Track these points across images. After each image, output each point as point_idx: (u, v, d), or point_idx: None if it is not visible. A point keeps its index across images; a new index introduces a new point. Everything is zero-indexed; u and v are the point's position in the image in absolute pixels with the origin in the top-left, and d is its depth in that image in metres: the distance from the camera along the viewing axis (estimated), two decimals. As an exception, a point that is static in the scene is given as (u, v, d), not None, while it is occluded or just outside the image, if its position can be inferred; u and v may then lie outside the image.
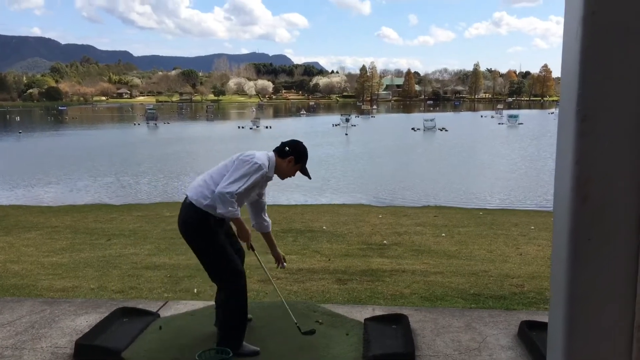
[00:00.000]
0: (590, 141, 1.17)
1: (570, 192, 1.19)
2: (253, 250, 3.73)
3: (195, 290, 5.07)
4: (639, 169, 1.17)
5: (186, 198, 3.44)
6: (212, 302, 4.35)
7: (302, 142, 3.63)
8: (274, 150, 3.56)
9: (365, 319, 3.95)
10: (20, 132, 47.87)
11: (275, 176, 3.60)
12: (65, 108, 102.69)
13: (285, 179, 3.69)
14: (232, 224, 3.57)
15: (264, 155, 3.46)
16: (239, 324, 3.43)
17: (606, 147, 1.17)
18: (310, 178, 3.71)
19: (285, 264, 3.97)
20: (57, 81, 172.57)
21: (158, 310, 4.23)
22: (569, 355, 1.24)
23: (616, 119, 1.17)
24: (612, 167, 1.17)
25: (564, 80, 1.27)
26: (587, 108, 1.18)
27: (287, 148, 3.52)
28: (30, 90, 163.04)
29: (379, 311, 4.20)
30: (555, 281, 1.30)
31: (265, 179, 3.49)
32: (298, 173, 3.64)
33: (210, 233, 3.37)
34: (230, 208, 3.23)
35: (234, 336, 3.41)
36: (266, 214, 3.80)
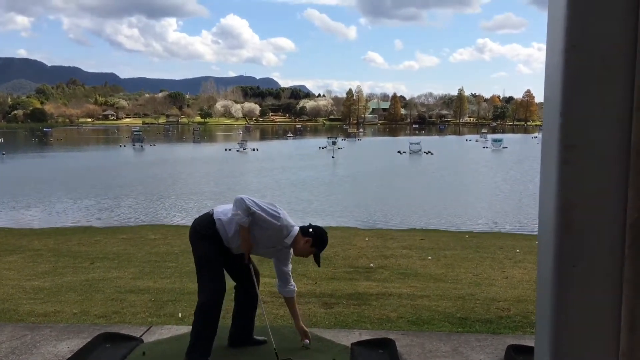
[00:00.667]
0: (573, 169, 1.20)
1: (554, 219, 1.21)
2: (249, 262, 3.74)
3: (180, 314, 5.00)
4: (622, 196, 1.20)
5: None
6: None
7: (326, 232, 3.78)
8: (300, 227, 3.70)
9: (352, 344, 3.92)
10: (3, 154, 47.36)
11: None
12: (50, 130, 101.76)
13: (299, 257, 3.84)
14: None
15: (289, 220, 3.64)
16: (203, 338, 3.48)
17: (589, 175, 1.19)
18: (319, 266, 3.92)
19: (307, 341, 3.91)
20: (42, 103, 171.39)
21: (141, 336, 4.16)
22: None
23: (598, 148, 1.19)
24: (595, 194, 1.19)
25: (547, 109, 1.30)
26: (569, 137, 1.20)
27: (311, 230, 3.66)
28: (15, 112, 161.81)
29: (365, 335, 4.18)
30: (540, 308, 1.31)
31: (280, 242, 3.62)
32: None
33: (207, 242, 3.54)
34: (239, 212, 3.42)
35: (198, 347, 3.47)
36: (291, 280, 3.88)
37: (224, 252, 3.61)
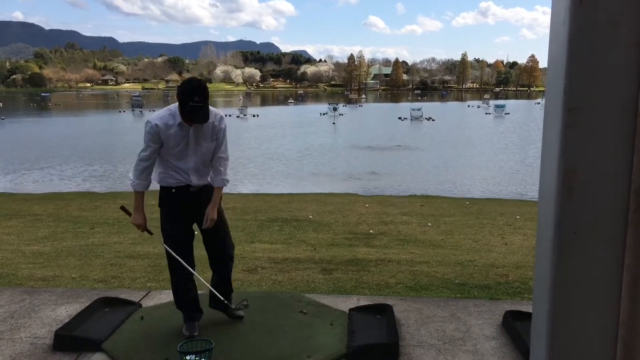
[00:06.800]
0: (577, 132, 1.14)
1: (555, 184, 1.16)
2: (151, 233, 3.66)
3: (179, 279, 5.01)
4: (627, 161, 1.15)
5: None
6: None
7: (193, 81, 3.27)
8: None
9: (350, 309, 3.93)
10: (3, 118, 47.14)
11: None
12: (48, 94, 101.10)
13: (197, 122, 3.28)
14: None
15: (165, 109, 3.41)
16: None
17: (593, 139, 1.14)
18: (193, 121, 3.23)
19: (206, 223, 3.46)
20: (41, 67, 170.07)
21: (140, 300, 4.18)
22: (552, 351, 1.22)
23: (604, 110, 1.14)
24: (598, 158, 1.14)
25: (551, 70, 1.24)
26: (574, 98, 1.15)
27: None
28: (14, 76, 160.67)
29: (363, 301, 4.19)
30: (539, 275, 1.27)
31: (178, 129, 3.28)
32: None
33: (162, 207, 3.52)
34: (131, 178, 3.43)
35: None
36: (221, 167, 3.46)
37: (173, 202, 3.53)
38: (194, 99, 3.12)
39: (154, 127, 3.28)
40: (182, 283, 3.54)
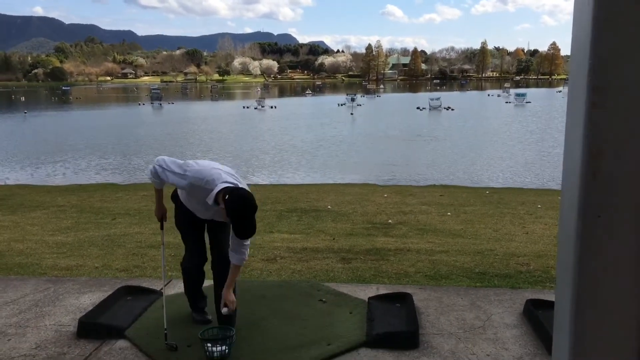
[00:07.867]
0: (602, 112, 1.12)
1: (580, 167, 1.14)
2: (161, 228, 3.66)
3: (200, 269, 5.05)
4: (653, 141, 1.12)
5: None
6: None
7: (244, 200, 2.98)
8: (223, 187, 3.03)
9: (369, 298, 3.93)
10: (25, 112, 47.86)
11: None
12: (69, 88, 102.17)
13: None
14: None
15: (214, 178, 3.08)
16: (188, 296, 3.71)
17: (620, 120, 1.11)
18: (239, 237, 3.15)
19: (225, 309, 3.28)
20: (61, 61, 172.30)
21: (162, 289, 4.23)
22: (576, 337, 1.20)
23: (631, 90, 1.11)
24: (624, 139, 1.12)
25: (575, 49, 1.21)
26: (598, 78, 1.12)
27: (227, 196, 2.98)
28: (35, 71, 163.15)
29: (383, 290, 4.19)
30: (562, 260, 1.25)
31: (207, 204, 3.12)
32: None
33: (176, 209, 3.54)
34: (150, 175, 3.30)
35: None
36: (240, 247, 3.27)
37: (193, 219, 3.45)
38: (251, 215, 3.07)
39: (185, 179, 3.17)
40: (188, 272, 3.66)
